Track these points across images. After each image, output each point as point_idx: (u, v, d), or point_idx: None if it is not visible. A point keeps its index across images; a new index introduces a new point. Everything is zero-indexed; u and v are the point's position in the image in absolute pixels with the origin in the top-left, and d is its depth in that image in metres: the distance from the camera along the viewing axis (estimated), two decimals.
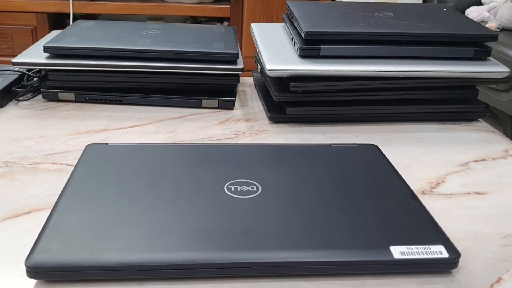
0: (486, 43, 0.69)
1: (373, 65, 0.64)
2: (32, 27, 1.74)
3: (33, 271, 0.36)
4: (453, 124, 0.70)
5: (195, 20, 2.22)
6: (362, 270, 0.38)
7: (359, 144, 0.56)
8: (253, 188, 0.46)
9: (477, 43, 0.68)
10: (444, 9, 0.77)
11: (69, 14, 1.76)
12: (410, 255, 0.38)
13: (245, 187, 0.46)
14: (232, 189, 0.45)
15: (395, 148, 0.61)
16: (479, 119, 0.72)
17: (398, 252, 0.38)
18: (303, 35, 0.64)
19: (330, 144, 0.56)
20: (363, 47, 0.66)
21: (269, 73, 0.63)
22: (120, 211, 0.42)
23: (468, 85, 0.69)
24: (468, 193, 0.52)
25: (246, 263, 0.37)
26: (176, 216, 0.42)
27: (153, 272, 0.37)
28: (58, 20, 1.85)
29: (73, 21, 1.69)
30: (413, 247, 0.39)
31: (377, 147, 0.56)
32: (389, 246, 0.39)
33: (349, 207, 0.44)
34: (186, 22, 2.24)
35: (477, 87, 0.71)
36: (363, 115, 0.68)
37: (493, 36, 0.67)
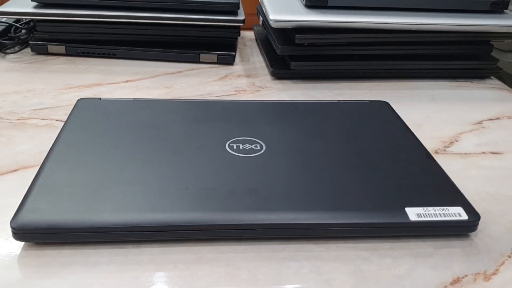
0: None
1: (384, 17, 0.60)
2: None
3: (20, 232, 0.33)
4: (465, 81, 0.66)
5: None
6: (374, 233, 0.36)
7: (369, 101, 0.53)
8: (256, 146, 0.43)
9: None
10: None
11: None
12: (427, 217, 0.35)
13: (248, 145, 0.43)
14: (234, 147, 0.42)
15: (405, 106, 0.58)
16: (492, 77, 0.68)
17: (414, 214, 0.35)
18: None
19: (339, 100, 0.53)
20: None
21: (272, 24, 0.59)
22: (114, 168, 0.39)
23: (483, 40, 0.66)
24: (484, 153, 0.49)
25: (250, 224, 0.34)
26: (175, 174, 0.39)
27: (150, 234, 0.34)
28: None
29: None
30: (430, 208, 0.36)
31: (388, 104, 0.53)
32: (405, 207, 0.36)
33: (360, 167, 0.41)
34: None
35: (491, 42, 0.67)
36: (371, 70, 0.64)
37: None
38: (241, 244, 0.35)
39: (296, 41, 0.59)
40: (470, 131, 0.53)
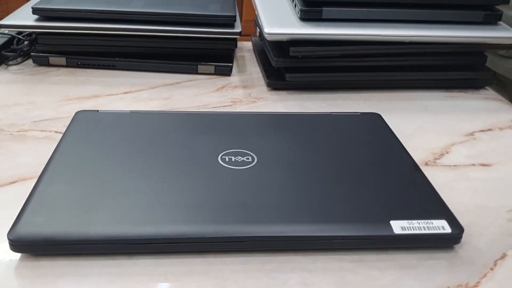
0: (496, 7, 0.65)
1: (377, 29, 0.61)
2: None
3: (16, 244, 0.34)
4: (459, 92, 0.67)
5: None
6: (360, 245, 0.37)
7: (361, 113, 0.54)
8: (248, 158, 0.44)
9: (487, 6, 0.65)
10: None
11: None
12: (411, 230, 0.36)
13: (240, 157, 0.44)
14: (227, 160, 0.43)
15: (398, 117, 0.59)
16: (487, 87, 0.69)
17: (398, 227, 0.36)
18: None
19: (331, 112, 0.54)
20: (367, 10, 0.63)
21: (267, 37, 0.60)
22: (109, 181, 0.40)
23: (476, 51, 0.66)
24: (473, 165, 0.49)
25: (239, 237, 0.35)
26: (167, 187, 0.40)
27: (142, 246, 0.35)
28: None
29: None
30: (414, 221, 0.37)
31: (379, 115, 0.54)
32: (390, 220, 0.37)
33: (348, 179, 0.42)
34: None
35: (485, 53, 0.68)
36: (365, 81, 0.65)
37: None
38: (230, 256, 0.36)
39: (291, 53, 0.60)
40: (461, 142, 0.54)
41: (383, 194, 0.40)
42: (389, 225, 0.37)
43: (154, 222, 0.36)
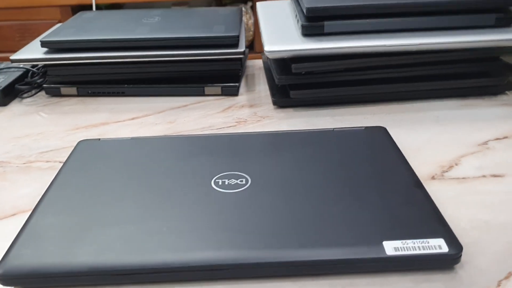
0: (509, 8, 0.62)
1: (383, 39, 0.60)
2: (57, 21, 1.76)
3: (5, 278, 0.35)
4: (475, 99, 0.64)
5: (219, 2, 2.19)
6: (351, 269, 0.35)
7: (365, 127, 0.52)
8: (242, 181, 0.43)
9: (499, 9, 0.62)
10: None
11: (91, 5, 1.77)
12: (404, 250, 0.34)
13: (233, 180, 0.43)
14: (220, 183, 0.43)
15: (407, 129, 0.57)
16: (507, 92, 0.66)
17: (391, 247, 0.35)
18: (304, 11, 0.60)
19: (333, 128, 0.53)
20: (371, 21, 0.61)
21: (268, 55, 0.59)
22: (101, 211, 0.40)
23: (491, 56, 0.63)
24: (484, 176, 0.47)
25: (223, 264, 0.35)
26: (158, 214, 0.39)
27: (127, 276, 0.35)
28: None
29: None
30: (409, 241, 0.35)
31: (385, 129, 0.52)
32: (383, 241, 0.35)
33: (344, 199, 0.40)
34: (211, 5, 2.20)
35: (501, 57, 0.65)
36: (373, 94, 0.63)
37: None
38: (216, 285, 0.35)
39: (293, 70, 0.60)
40: (473, 153, 0.51)
41: (378, 213, 0.38)
42: (382, 246, 0.35)
43: (140, 252, 0.36)
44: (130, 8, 2.01)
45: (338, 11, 0.60)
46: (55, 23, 1.78)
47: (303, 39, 0.61)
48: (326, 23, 0.60)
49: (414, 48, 0.60)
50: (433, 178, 0.47)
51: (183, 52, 0.64)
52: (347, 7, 0.60)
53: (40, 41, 0.65)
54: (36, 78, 0.71)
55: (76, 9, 1.83)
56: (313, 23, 0.60)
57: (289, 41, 0.60)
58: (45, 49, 0.66)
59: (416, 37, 0.60)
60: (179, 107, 0.66)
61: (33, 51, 0.66)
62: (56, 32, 0.68)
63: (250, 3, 2.05)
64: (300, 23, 0.61)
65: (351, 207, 0.39)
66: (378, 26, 0.61)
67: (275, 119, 0.61)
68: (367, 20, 0.61)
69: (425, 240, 0.35)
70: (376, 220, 0.37)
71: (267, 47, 0.59)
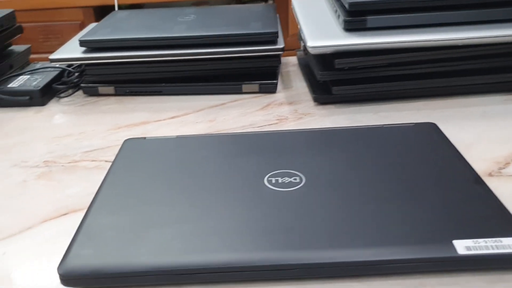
0: None
1: (427, 34, 0.58)
2: (79, 22, 1.77)
3: (66, 278, 0.34)
4: None
5: (239, 1, 2.18)
6: (420, 268, 0.34)
7: (415, 123, 0.51)
8: (296, 179, 0.42)
9: None
10: None
11: (114, 6, 1.77)
12: (477, 250, 0.33)
13: (287, 178, 0.42)
14: (273, 181, 0.42)
15: (455, 125, 0.55)
16: None
17: (462, 247, 0.33)
18: (347, 6, 0.59)
19: (382, 124, 0.51)
20: (415, 15, 0.60)
21: (311, 51, 0.58)
22: (155, 210, 0.40)
23: None
24: None
25: (289, 264, 0.34)
26: (213, 213, 0.39)
27: (189, 276, 0.34)
28: (104, 13, 1.87)
29: None
30: (480, 240, 0.34)
31: (435, 125, 0.50)
32: (452, 240, 0.34)
33: (404, 197, 0.39)
34: (230, 4, 2.20)
35: None
36: (418, 90, 0.62)
37: None
38: (280, 285, 0.34)
39: (336, 66, 0.59)
40: None
41: (443, 211, 0.37)
42: (452, 245, 0.34)
43: (200, 251, 0.35)
44: (150, 8, 2.01)
45: (380, 6, 0.59)
46: (78, 24, 1.80)
47: (345, 34, 0.59)
48: (369, 17, 0.59)
49: (459, 43, 0.59)
50: (490, 175, 0.46)
51: (222, 50, 0.63)
52: (389, 2, 0.59)
53: (79, 40, 0.65)
54: (73, 77, 0.71)
55: (98, 10, 1.83)
56: (356, 18, 0.59)
57: (331, 37, 0.59)
58: (83, 49, 0.66)
59: (460, 31, 0.59)
60: (217, 106, 0.65)
61: (71, 51, 0.66)
62: (93, 31, 0.67)
63: (270, 1, 2.04)
64: (341, 18, 0.60)
65: (411, 205, 0.38)
66: (421, 20, 0.60)
67: (317, 116, 0.60)
68: (410, 14, 0.60)
69: (497, 239, 0.34)
70: (441, 218, 0.36)
71: (309, 43, 0.58)
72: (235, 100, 0.66)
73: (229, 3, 2.18)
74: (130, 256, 0.35)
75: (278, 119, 0.60)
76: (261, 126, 0.58)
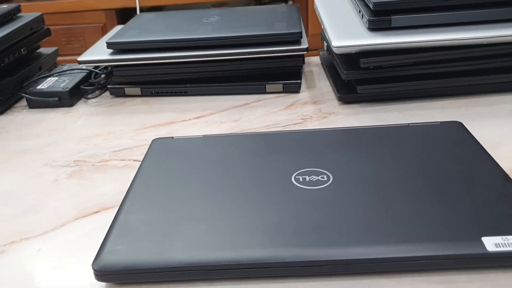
0: None
1: (452, 33, 0.58)
2: (102, 25, 1.80)
3: (101, 274, 0.35)
4: None
5: (258, 2, 2.19)
6: (450, 265, 0.34)
7: (441, 122, 0.51)
8: (323, 177, 0.43)
9: None
10: None
11: (135, 8, 1.80)
12: (506, 247, 0.33)
13: (314, 176, 0.43)
14: (301, 179, 0.42)
15: (481, 124, 0.55)
16: None
17: (492, 243, 0.34)
18: (371, 6, 0.59)
19: (408, 123, 0.52)
20: (439, 14, 0.59)
21: (336, 50, 0.59)
22: (186, 207, 0.40)
23: None
24: None
25: (319, 261, 0.34)
26: (243, 210, 0.39)
27: (221, 272, 0.35)
28: (126, 15, 1.89)
29: None
30: (510, 237, 0.34)
31: (461, 124, 0.50)
32: (481, 237, 0.34)
33: (432, 195, 0.39)
34: (250, 5, 2.21)
35: None
36: (443, 88, 0.62)
37: None
38: (310, 281, 0.35)
39: (362, 65, 0.59)
40: None
41: (472, 209, 0.37)
42: (481, 242, 0.34)
43: (231, 247, 0.36)
44: (170, 10, 2.03)
45: (405, 5, 0.59)
46: (100, 27, 1.83)
47: (370, 33, 0.60)
48: (393, 17, 0.59)
49: (484, 41, 0.58)
50: None
51: (247, 50, 0.64)
52: (414, 1, 0.59)
53: (106, 42, 0.66)
54: (100, 79, 0.72)
55: (120, 12, 1.86)
56: (380, 17, 0.59)
57: (356, 36, 0.59)
58: (110, 51, 0.67)
59: (485, 30, 0.58)
60: (241, 106, 0.66)
61: (98, 53, 0.67)
62: (120, 34, 0.69)
63: (291, 2, 2.05)
64: (365, 17, 0.60)
65: (440, 203, 0.38)
66: (445, 19, 0.60)
67: (342, 115, 0.60)
68: (434, 14, 0.60)
69: None
70: (470, 216, 0.36)
71: (334, 43, 0.59)
72: (259, 100, 0.67)
73: (248, 4, 2.19)
74: (163, 252, 0.36)
75: (302, 119, 0.60)
76: (286, 126, 0.59)
